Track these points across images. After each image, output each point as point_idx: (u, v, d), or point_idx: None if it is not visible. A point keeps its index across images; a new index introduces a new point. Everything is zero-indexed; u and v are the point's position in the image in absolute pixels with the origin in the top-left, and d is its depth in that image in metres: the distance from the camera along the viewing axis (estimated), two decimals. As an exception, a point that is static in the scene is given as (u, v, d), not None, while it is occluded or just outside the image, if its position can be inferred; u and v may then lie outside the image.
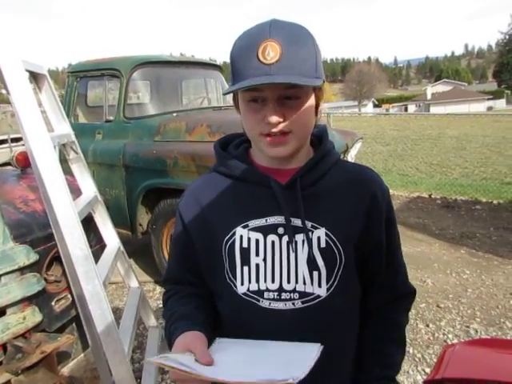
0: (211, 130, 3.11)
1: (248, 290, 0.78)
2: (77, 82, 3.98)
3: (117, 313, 2.84)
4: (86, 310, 1.83)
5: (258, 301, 0.77)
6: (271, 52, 0.68)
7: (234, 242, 0.78)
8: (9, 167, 3.10)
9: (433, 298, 3.12)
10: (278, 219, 0.77)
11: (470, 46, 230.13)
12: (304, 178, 0.79)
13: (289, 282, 0.76)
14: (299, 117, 0.73)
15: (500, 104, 50.71)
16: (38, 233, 1.85)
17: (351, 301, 0.84)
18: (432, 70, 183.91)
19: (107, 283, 1.84)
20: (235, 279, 0.78)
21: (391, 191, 6.82)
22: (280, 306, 0.76)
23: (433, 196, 6.38)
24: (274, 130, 0.73)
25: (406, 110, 47.98)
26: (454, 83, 65.95)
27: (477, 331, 2.63)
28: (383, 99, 69.01)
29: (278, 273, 0.76)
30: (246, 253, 0.77)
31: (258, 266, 0.77)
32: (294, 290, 0.76)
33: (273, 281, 0.76)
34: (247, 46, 0.71)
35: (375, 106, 59.70)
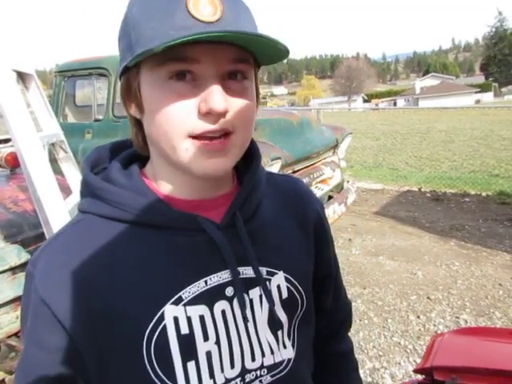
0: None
1: None
2: (64, 82, 3.95)
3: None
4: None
5: None
6: (208, 5, 0.45)
7: (164, 330, 0.50)
8: (-3, 168, 3.08)
9: (423, 289, 3.17)
10: (222, 276, 0.53)
11: (456, 40, 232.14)
12: (243, 208, 0.56)
13: (253, 359, 0.55)
14: (246, 108, 0.49)
15: (488, 97, 51.27)
16: (28, 232, 1.85)
17: (310, 341, 0.67)
18: (420, 64, 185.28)
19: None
20: (175, 382, 0.51)
21: (381, 185, 6.90)
22: None
23: (422, 189, 6.45)
24: (215, 127, 0.47)
25: (395, 104, 48.30)
26: (442, 77, 66.49)
27: (467, 321, 2.68)
28: (372, 94, 69.37)
29: (239, 353, 0.54)
30: (188, 342, 0.51)
31: (209, 354, 0.52)
32: (262, 366, 0.56)
33: (232, 366, 0.54)
34: None
35: (365, 101, 60.00)
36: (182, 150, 0.48)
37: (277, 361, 0.57)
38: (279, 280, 0.58)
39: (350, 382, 0.77)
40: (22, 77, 1.82)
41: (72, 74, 3.93)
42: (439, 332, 2.56)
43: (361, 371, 2.21)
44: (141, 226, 0.52)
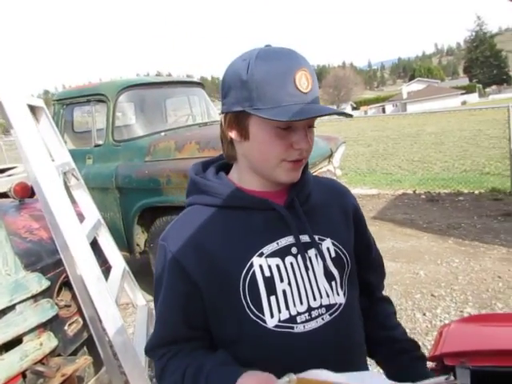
0: (200, 146, 3.21)
1: (279, 320, 0.73)
2: (63, 110, 4.05)
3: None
4: (99, 330, 1.90)
5: (292, 328, 0.74)
6: (305, 81, 0.69)
7: (253, 274, 0.73)
8: (5, 200, 3.13)
9: (426, 288, 3.25)
10: (288, 240, 0.76)
11: (439, 45, 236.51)
12: (299, 196, 0.81)
13: (314, 299, 0.76)
14: (312, 143, 0.76)
15: (473, 98, 52.09)
16: (47, 259, 1.91)
17: (357, 298, 0.88)
18: (406, 69, 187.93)
19: (119, 302, 1.91)
20: (263, 314, 0.73)
21: (376, 190, 7.01)
22: (313, 325, 0.75)
23: (417, 191, 6.57)
24: (300, 156, 0.74)
25: (383, 110, 48.84)
26: (428, 81, 67.53)
27: (471, 314, 2.76)
28: (361, 101, 70.19)
29: (304, 293, 0.75)
30: (270, 282, 0.73)
31: (284, 292, 0.74)
32: (321, 306, 0.76)
33: (301, 303, 0.75)
34: (281, 71, 0.69)
35: (353, 108, 60.66)
36: (275, 168, 0.75)
37: (331, 302, 0.78)
38: (328, 244, 0.80)
39: (393, 321, 0.98)
40: (33, 110, 1.91)
41: (70, 101, 4.02)
42: (445, 328, 2.64)
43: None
44: (231, 208, 0.77)
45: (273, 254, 0.74)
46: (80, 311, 1.95)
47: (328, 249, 0.80)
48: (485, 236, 4.23)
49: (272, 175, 0.76)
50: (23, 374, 1.70)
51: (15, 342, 1.70)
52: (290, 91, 0.69)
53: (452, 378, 0.63)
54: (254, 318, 0.73)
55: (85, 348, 2.26)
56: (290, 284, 0.74)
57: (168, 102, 4.53)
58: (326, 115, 0.70)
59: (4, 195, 3.26)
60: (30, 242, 1.98)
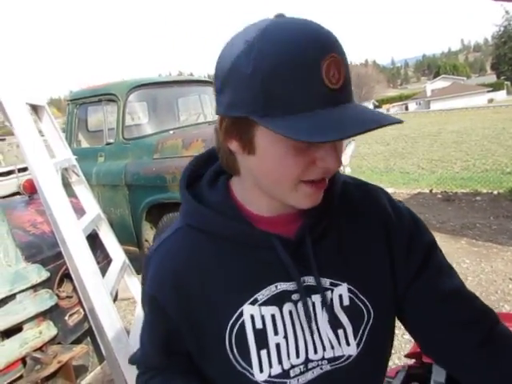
0: (206, 144, 3.25)
1: (270, 375, 0.61)
2: (76, 109, 4.18)
3: (129, 327, 2.96)
4: (97, 321, 1.96)
5: (285, 383, 0.63)
6: (336, 72, 0.48)
7: (242, 324, 0.61)
8: (18, 196, 3.28)
9: (434, 289, 3.19)
10: (290, 284, 0.62)
11: (466, 41, 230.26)
12: (314, 228, 0.63)
13: (315, 352, 0.63)
14: (341, 159, 0.55)
15: (501, 95, 50.55)
16: (47, 252, 1.99)
17: (381, 358, 0.71)
18: (430, 67, 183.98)
19: (114, 293, 1.97)
20: (251, 367, 0.61)
21: (392, 189, 6.90)
22: (308, 376, 0.63)
23: (434, 191, 6.44)
24: (324, 175, 0.55)
25: (406, 108, 47.99)
26: (453, 78, 65.97)
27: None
28: (383, 99, 69.15)
29: (303, 346, 0.62)
30: (261, 334, 0.61)
31: (278, 345, 0.61)
32: (323, 358, 0.63)
33: (297, 356, 0.62)
34: (302, 60, 0.47)
35: (375, 107, 59.80)
36: (290, 192, 0.56)
37: (337, 355, 0.64)
38: (342, 290, 0.63)
39: None
40: (35, 109, 1.99)
41: (83, 101, 4.15)
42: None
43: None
44: (226, 240, 0.62)
45: (269, 302, 0.61)
46: (81, 302, 2.02)
47: (341, 296, 0.63)
48: (499, 237, 4.12)
49: (286, 200, 0.58)
50: (23, 360, 1.78)
51: (16, 329, 1.79)
52: (315, 89, 0.48)
53: None
54: (241, 369, 0.62)
55: (88, 338, 2.34)
56: (286, 337, 0.62)
57: (179, 101, 4.60)
58: (374, 129, 0.47)
59: (18, 193, 3.43)
60: (32, 235, 2.07)
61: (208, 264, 0.62)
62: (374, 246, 0.66)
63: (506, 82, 58.30)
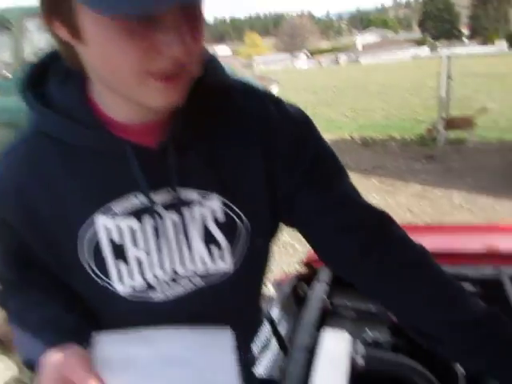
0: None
1: (132, 288, 0.58)
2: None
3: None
4: None
5: (150, 298, 0.60)
6: None
7: (95, 234, 0.56)
8: None
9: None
10: (163, 194, 0.56)
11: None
12: (180, 137, 0.56)
13: (184, 265, 0.59)
14: (199, 41, 0.47)
15: (424, 51, 53.08)
16: None
17: (259, 276, 0.70)
18: (363, 21, 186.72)
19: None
20: (109, 279, 0.58)
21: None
22: (178, 290, 0.60)
23: (354, 137, 6.75)
24: (173, 66, 0.45)
25: (337, 60, 48.72)
26: (381, 32, 67.74)
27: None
28: (316, 50, 69.48)
29: (168, 259, 0.58)
30: (119, 247, 0.57)
31: (139, 258, 0.58)
32: (194, 274, 0.60)
33: (161, 268, 0.59)
34: None
35: (307, 57, 60.06)
36: (137, 88, 0.47)
37: (210, 271, 0.60)
38: (214, 204, 0.58)
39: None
40: None
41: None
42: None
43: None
44: (78, 148, 0.54)
45: (125, 213, 0.55)
46: None
47: (214, 210, 0.58)
48: (406, 175, 4.47)
49: (136, 97, 0.48)
50: None
51: None
52: None
53: None
54: (101, 282, 0.58)
55: None
56: (148, 250, 0.57)
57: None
58: None
59: None
60: None
61: (56, 174, 0.55)
62: (251, 157, 0.59)
63: (428, 39, 61.19)
